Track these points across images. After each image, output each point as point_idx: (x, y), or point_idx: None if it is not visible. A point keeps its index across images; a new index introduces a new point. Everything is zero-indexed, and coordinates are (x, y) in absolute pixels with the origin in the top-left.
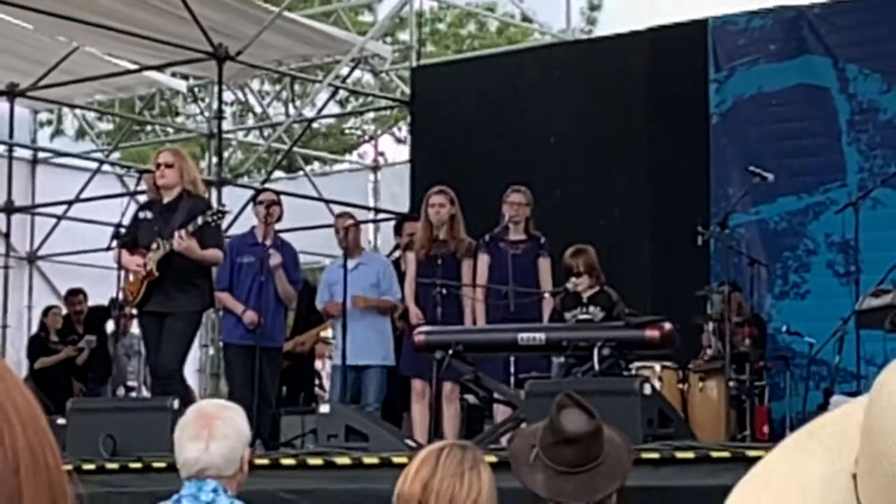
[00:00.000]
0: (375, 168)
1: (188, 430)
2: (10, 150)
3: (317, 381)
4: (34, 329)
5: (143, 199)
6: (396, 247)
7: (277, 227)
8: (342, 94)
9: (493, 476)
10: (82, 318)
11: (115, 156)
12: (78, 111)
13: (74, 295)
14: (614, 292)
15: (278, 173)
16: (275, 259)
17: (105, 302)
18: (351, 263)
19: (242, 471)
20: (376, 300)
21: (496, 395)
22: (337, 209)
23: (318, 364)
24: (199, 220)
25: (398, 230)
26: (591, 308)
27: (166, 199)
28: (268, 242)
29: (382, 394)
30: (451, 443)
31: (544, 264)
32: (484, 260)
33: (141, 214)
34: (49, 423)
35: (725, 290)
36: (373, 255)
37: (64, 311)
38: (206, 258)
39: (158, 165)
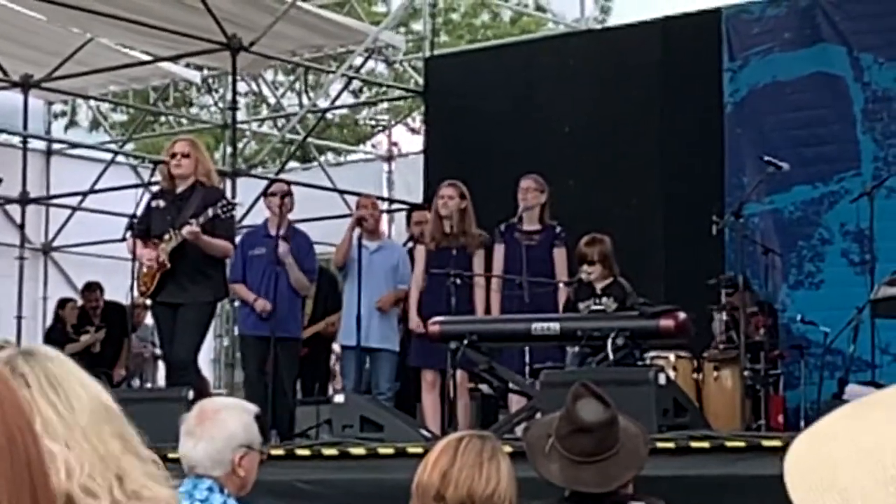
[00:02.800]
0: (389, 158)
1: (186, 425)
2: (25, 142)
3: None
4: (49, 320)
5: (155, 190)
6: (410, 237)
7: (292, 216)
8: (356, 84)
9: (512, 467)
10: (98, 313)
11: (130, 147)
12: (92, 102)
13: (91, 290)
14: (627, 284)
15: (292, 164)
16: (281, 249)
17: (120, 296)
18: (373, 245)
19: (236, 472)
20: (395, 296)
21: (511, 385)
22: (351, 199)
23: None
24: (210, 212)
25: (410, 220)
26: (605, 299)
27: (180, 189)
28: (280, 233)
29: (394, 379)
30: (470, 433)
31: (559, 254)
32: (499, 249)
33: (154, 203)
34: None
35: (740, 280)
36: (391, 241)
37: (79, 303)
38: (216, 249)
39: (174, 154)
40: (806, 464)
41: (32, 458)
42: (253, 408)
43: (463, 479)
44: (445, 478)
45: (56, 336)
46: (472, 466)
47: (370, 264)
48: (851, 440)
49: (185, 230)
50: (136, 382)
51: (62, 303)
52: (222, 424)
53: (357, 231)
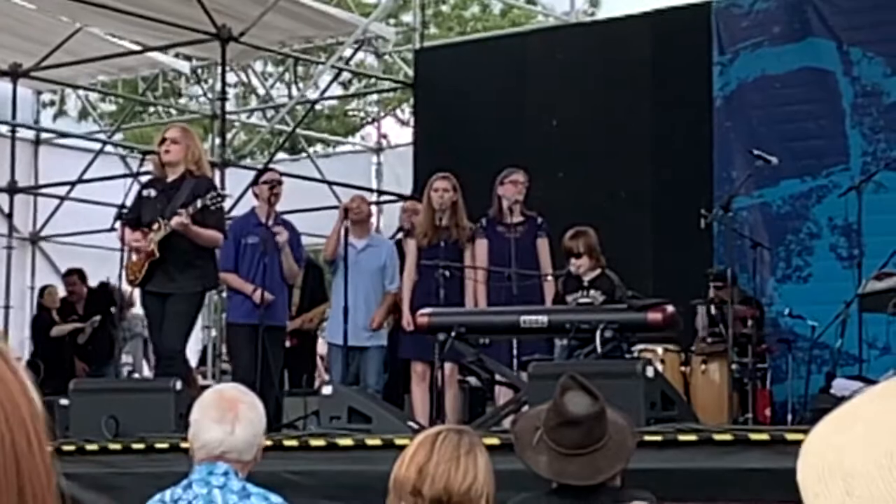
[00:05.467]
0: (378, 150)
1: (212, 412)
2: (13, 131)
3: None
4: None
5: (145, 179)
6: (400, 228)
7: (280, 207)
8: (345, 75)
9: (490, 461)
10: (81, 299)
11: (118, 137)
12: (81, 92)
13: (70, 275)
14: (615, 276)
15: (281, 155)
16: (282, 236)
17: (107, 282)
18: (360, 243)
19: (256, 457)
20: (385, 308)
21: (498, 378)
22: (340, 191)
23: (320, 346)
24: (199, 203)
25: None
26: (592, 292)
27: (170, 178)
28: (270, 222)
29: (382, 374)
30: (447, 427)
31: (543, 244)
32: (483, 244)
33: (144, 192)
34: (50, 405)
35: (728, 274)
36: (380, 237)
37: (62, 292)
38: (204, 238)
39: (164, 140)
40: (816, 448)
41: (23, 463)
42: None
43: (440, 474)
44: (422, 472)
45: (42, 325)
46: (448, 461)
47: (357, 263)
48: (866, 424)
49: (175, 221)
50: (125, 371)
51: (42, 290)
52: (256, 409)
53: (345, 224)
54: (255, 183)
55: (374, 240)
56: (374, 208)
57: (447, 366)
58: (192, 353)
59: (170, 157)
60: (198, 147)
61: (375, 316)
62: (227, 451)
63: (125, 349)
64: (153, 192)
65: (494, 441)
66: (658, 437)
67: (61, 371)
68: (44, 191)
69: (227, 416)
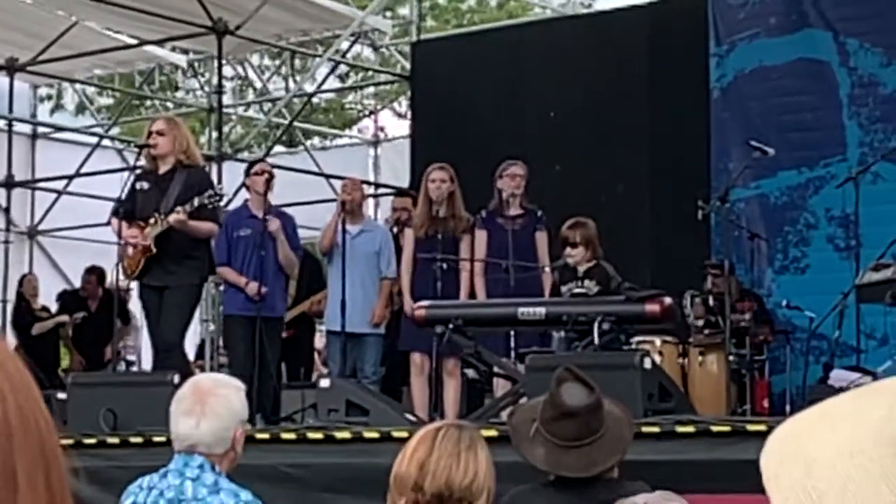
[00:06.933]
0: (375, 143)
1: (183, 404)
2: (10, 125)
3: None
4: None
5: (138, 171)
6: (396, 221)
7: (278, 200)
8: (342, 68)
9: (491, 456)
10: (93, 298)
11: (115, 130)
12: (78, 86)
13: (91, 273)
14: (610, 267)
15: (278, 148)
16: (273, 224)
17: (106, 279)
18: (354, 229)
19: (234, 449)
20: (384, 300)
21: (496, 370)
22: (337, 184)
23: (317, 340)
24: (196, 202)
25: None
26: (587, 282)
27: (162, 170)
28: (264, 214)
29: (379, 363)
30: (448, 423)
31: (542, 238)
32: (482, 236)
33: (138, 185)
34: (44, 397)
35: (725, 265)
36: (374, 223)
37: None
38: (202, 232)
39: (150, 134)
40: (779, 437)
41: (46, 443)
42: (240, 382)
43: (441, 470)
44: (423, 468)
45: (21, 315)
46: (449, 456)
47: (352, 249)
48: (835, 418)
49: (172, 218)
50: (123, 366)
51: (20, 279)
52: (226, 401)
53: (342, 216)
54: (248, 174)
55: (369, 225)
56: (371, 201)
57: (450, 359)
58: (190, 346)
59: (158, 149)
60: (185, 136)
61: (375, 309)
62: (195, 444)
63: (129, 342)
64: (146, 185)
65: (492, 433)
66: (656, 429)
67: (46, 361)
68: (41, 185)
69: (194, 410)
